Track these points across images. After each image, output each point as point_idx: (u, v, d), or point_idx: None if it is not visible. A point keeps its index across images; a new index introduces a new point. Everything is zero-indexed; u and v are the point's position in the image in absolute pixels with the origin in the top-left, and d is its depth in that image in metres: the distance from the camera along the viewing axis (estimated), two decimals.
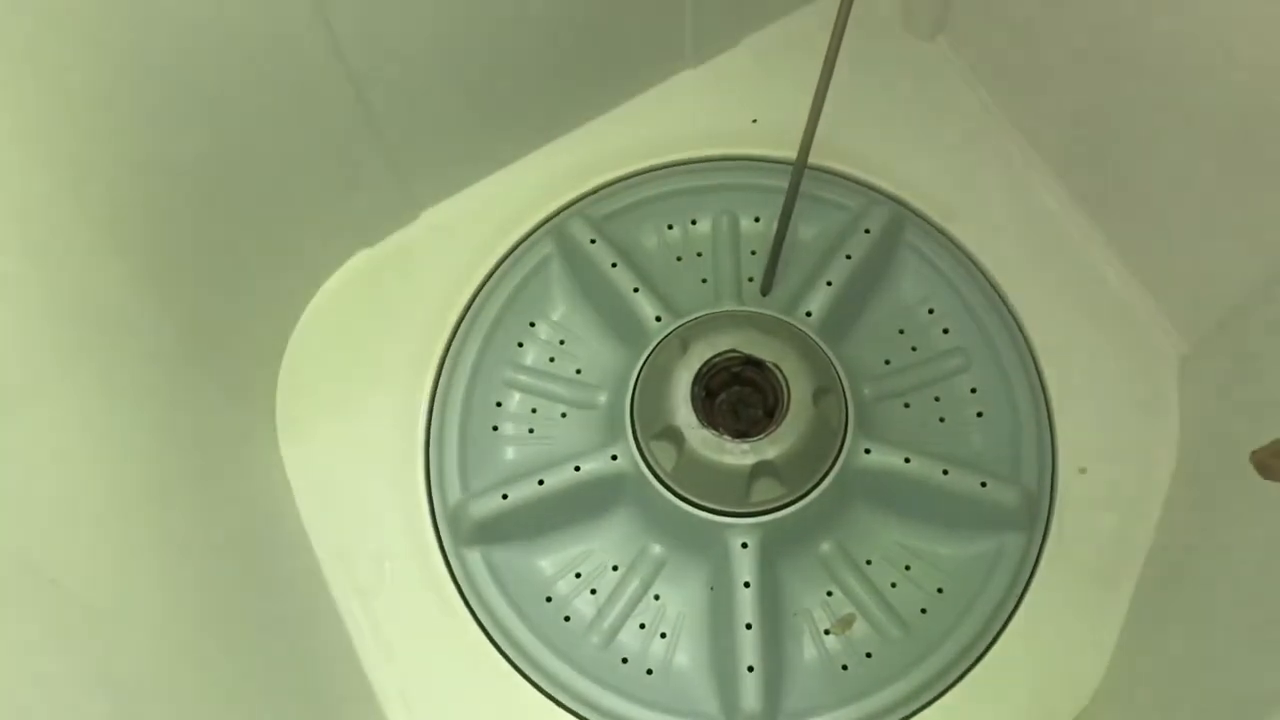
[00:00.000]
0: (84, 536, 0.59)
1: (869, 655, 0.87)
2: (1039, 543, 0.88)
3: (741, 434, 0.85)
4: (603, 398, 0.93)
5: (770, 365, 0.86)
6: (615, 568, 0.90)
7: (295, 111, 0.82)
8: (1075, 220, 0.97)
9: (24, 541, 0.54)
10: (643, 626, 0.89)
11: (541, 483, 0.87)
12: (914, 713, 0.85)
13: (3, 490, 0.54)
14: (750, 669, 0.83)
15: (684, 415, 0.84)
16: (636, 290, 0.92)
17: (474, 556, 0.89)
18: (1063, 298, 0.95)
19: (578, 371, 0.95)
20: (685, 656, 0.88)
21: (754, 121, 1.02)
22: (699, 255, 0.99)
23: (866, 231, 0.95)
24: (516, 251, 0.98)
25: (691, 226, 0.99)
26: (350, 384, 0.94)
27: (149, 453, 0.72)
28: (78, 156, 0.68)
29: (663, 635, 0.88)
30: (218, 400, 0.86)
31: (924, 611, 0.88)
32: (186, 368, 0.82)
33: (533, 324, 0.97)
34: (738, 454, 0.83)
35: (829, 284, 0.93)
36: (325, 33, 0.77)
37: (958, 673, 0.86)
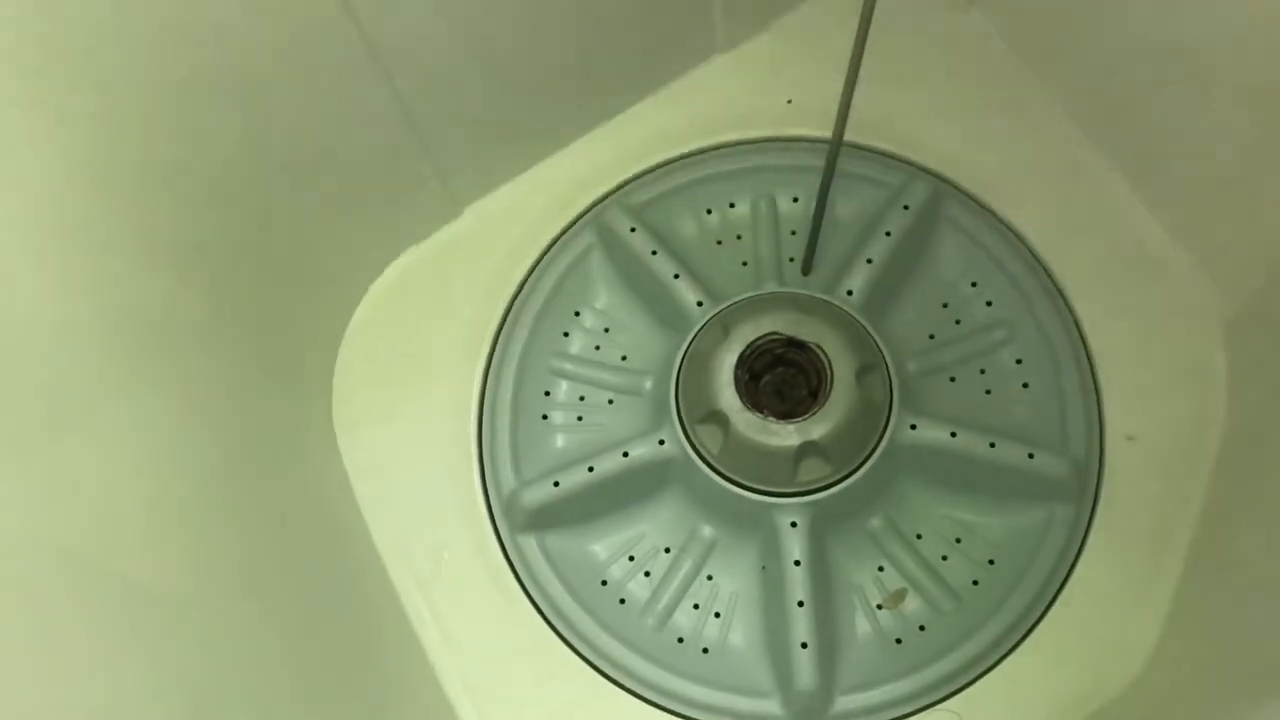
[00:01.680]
0: (153, 537, 0.62)
1: (922, 628, 0.88)
2: (1089, 512, 0.88)
3: (786, 415, 0.86)
4: (648, 384, 0.95)
5: (813, 345, 0.86)
6: (667, 550, 0.92)
7: (337, 115, 0.84)
8: (1115, 186, 0.96)
9: (96, 544, 0.56)
10: (697, 607, 0.90)
11: (591, 469, 0.89)
12: (969, 683, 0.86)
13: (74, 496, 0.57)
14: (804, 646, 0.84)
15: (728, 399, 0.85)
16: (677, 276, 0.93)
17: (529, 543, 0.91)
18: (1105, 265, 0.94)
19: (623, 359, 0.97)
20: (740, 635, 0.89)
21: (789, 102, 1.02)
22: (738, 238, 0.99)
23: (905, 207, 0.95)
24: (559, 243, 0.99)
25: (730, 210, 1.00)
26: (403, 379, 0.97)
27: (212, 453, 0.74)
28: (130, 171, 0.71)
29: (717, 615, 0.90)
30: (276, 399, 0.89)
31: (976, 583, 0.89)
32: (245, 370, 0.84)
33: (577, 313, 0.98)
34: (783, 435, 0.84)
35: (869, 261, 0.93)
36: (356, 31, 0.78)
37: (1011, 643, 0.86)
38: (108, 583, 0.56)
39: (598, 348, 0.97)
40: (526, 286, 0.98)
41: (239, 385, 0.83)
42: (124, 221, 0.70)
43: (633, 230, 0.95)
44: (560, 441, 0.95)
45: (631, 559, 0.92)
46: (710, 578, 0.91)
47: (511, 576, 0.90)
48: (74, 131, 0.66)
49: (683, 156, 1.01)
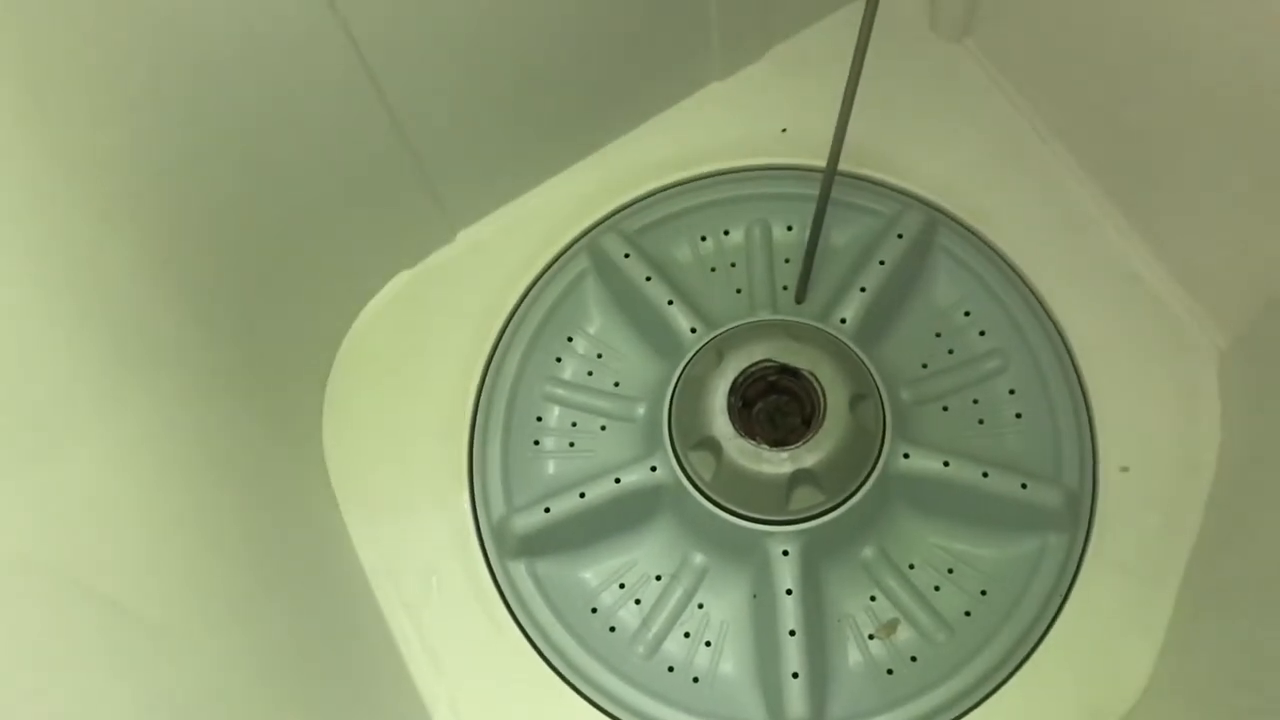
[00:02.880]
0: (138, 559, 0.61)
1: (914, 659, 0.87)
2: (1082, 543, 0.88)
3: (779, 442, 0.85)
4: (641, 410, 0.94)
5: (806, 373, 0.86)
6: (658, 578, 0.91)
7: (333, 139, 0.84)
8: (1109, 217, 0.97)
9: (81, 564, 0.56)
10: (687, 635, 0.89)
11: (583, 495, 0.88)
12: (960, 715, 0.85)
13: (61, 516, 0.56)
14: (795, 675, 0.83)
15: (721, 425, 0.85)
16: (671, 303, 0.93)
17: (519, 569, 0.91)
18: (1099, 296, 0.95)
19: (615, 384, 0.97)
20: (730, 664, 0.89)
21: (783, 131, 1.02)
22: (732, 265, 0.99)
23: (899, 236, 0.95)
24: (553, 268, 0.99)
25: (724, 237, 1.00)
26: (394, 403, 0.96)
27: (200, 475, 0.73)
28: (118, 191, 0.70)
29: (707, 644, 0.89)
30: (266, 423, 0.88)
31: (968, 614, 0.88)
32: (235, 393, 0.84)
33: (570, 339, 0.98)
34: (776, 462, 0.84)
35: (863, 290, 0.93)
36: (355, 57, 0.79)
37: (1004, 674, 0.86)
38: (92, 602, 0.55)
39: (590, 373, 0.97)
40: (519, 311, 0.98)
41: (229, 408, 0.82)
42: (116, 242, 0.70)
43: (627, 256, 0.95)
44: (552, 467, 0.94)
45: (622, 586, 0.91)
46: (701, 606, 0.90)
47: (501, 603, 0.90)
48: (71, 154, 0.66)
49: (678, 183, 1.01)
